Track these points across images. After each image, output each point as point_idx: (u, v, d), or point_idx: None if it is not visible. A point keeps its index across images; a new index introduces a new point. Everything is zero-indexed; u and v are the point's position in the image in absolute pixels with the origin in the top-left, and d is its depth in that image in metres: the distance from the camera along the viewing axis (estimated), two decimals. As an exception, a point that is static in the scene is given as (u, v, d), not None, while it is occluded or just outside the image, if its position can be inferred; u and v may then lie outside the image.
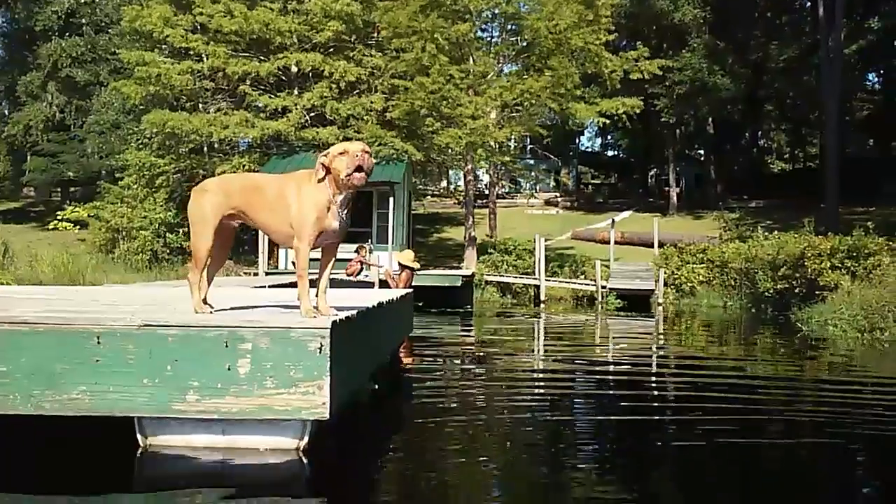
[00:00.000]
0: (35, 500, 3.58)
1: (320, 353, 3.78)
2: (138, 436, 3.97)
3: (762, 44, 37.96)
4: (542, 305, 21.20)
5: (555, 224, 35.66)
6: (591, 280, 22.31)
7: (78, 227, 31.22)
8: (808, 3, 38.26)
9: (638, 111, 24.12)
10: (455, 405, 6.26)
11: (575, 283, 22.70)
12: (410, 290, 9.68)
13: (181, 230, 25.34)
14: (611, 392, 7.46)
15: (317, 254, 4.30)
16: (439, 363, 9.01)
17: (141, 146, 26.64)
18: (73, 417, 3.87)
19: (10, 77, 38.18)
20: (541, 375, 8.36)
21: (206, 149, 25.68)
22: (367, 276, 17.84)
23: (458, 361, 9.40)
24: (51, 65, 34.55)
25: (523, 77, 22.73)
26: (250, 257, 25.10)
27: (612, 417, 6.04)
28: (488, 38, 26.07)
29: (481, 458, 4.55)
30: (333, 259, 4.32)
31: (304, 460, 3.93)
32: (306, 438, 3.94)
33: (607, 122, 24.34)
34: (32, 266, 19.27)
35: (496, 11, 24.26)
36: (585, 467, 4.43)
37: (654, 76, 24.75)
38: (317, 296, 4.24)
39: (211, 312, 4.24)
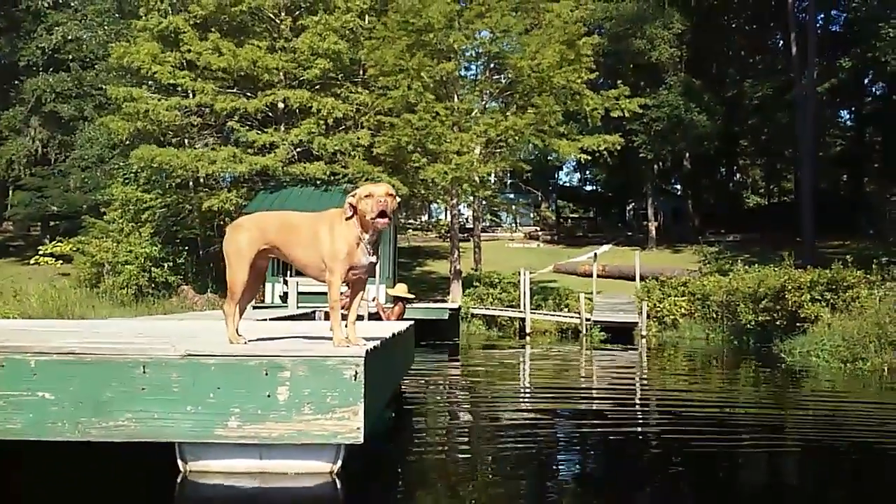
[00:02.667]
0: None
1: (355, 380, 4.02)
2: (178, 461, 4.16)
3: (737, 81, 38.90)
4: (528, 338, 21.40)
5: (536, 257, 36.00)
6: (576, 313, 22.59)
7: (60, 261, 31.12)
8: (781, 43, 39.32)
9: (619, 147, 24.62)
10: (464, 432, 6.50)
11: (560, 315, 22.96)
12: (412, 322, 9.88)
13: (166, 265, 25.40)
14: (619, 420, 7.73)
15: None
16: (439, 394, 9.23)
17: (127, 181, 26.72)
18: (113, 444, 4.06)
19: (-7, 112, 38.16)
20: (544, 406, 8.61)
21: (191, 184, 25.82)
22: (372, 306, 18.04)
23: (457, 392, 9.61)
24: (34, 100, 34.61)
25: (506, 114, 23.17)
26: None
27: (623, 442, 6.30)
28: (472, 77, 26.57)
29: (500, 481, 4.78)
30: (362, 292, 4.58)
31: (338, 483, 4.14)
32: (339, 462, 4.16)
33: (588, 157, 24.77)
34: (21, 300, 19.28)
35: (480, 51, 24.75)
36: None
37: (632, 113, 25.32)
38: (346, 326, 4.48)
39: (245, 343, 4.46)
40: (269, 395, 4.01)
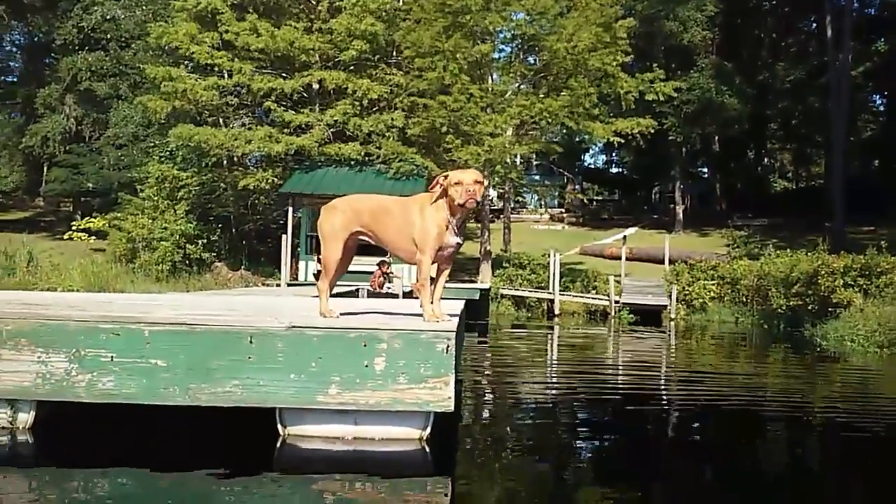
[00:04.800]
0: (194, 479, 4.04)
1: (446, 353, 4.30)
2: (279, 426, 4.47)
3: (769, 64, 38.70)
4: (556, 319, 21.64)
5: (561, 239, 36.18)
6: (604, 295, 22.82)
7: (93, 237, 31.68)
8: (815, 26, 39.02)
9: (652, 131, 24.70)
10: (518, 403, 6.81)
11: (588, 297, 23.18)
12: (464, 301, 10.13)
13: (200, 242, 25.82)
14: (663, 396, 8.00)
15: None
16: (482, 368, 9.53)
17: (163, 159, 27.14)
18: (214, 410, 4.36)
19: (29, 89, 38.72)
20: (584, 381, 8.89)
21: (225, 162, 26.19)
22: (389, 288, 18.38)
23: (506, 368, 9.91)
24: (70, 78, 35.10)
25: (540, 96, 23.30)
26: (268, 269, 25.61)
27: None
28: (507, 59, 26.66)
29: (567, 447, 5.09)
30: (448, 270, 4.84)
31: (427, 448, 4.42)
32: (429, 429, 4.45)
33: (621, 140, 24.86)
34: (63, 275, 19.73)
35: (516, 32, 24.84)
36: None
37: (665, 96, 25.34)
38: (431, 302, 4.74)
39: (337, 317, 4.75)
40: (366, 365, 4.29)
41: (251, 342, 4.31)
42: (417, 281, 4.89)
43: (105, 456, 4.35)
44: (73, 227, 32.92)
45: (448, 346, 4.29)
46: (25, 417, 4.46)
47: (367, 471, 4.16)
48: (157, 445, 4.62)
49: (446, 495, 3.91)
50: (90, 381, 4.30)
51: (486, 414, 6.44)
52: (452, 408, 4.33)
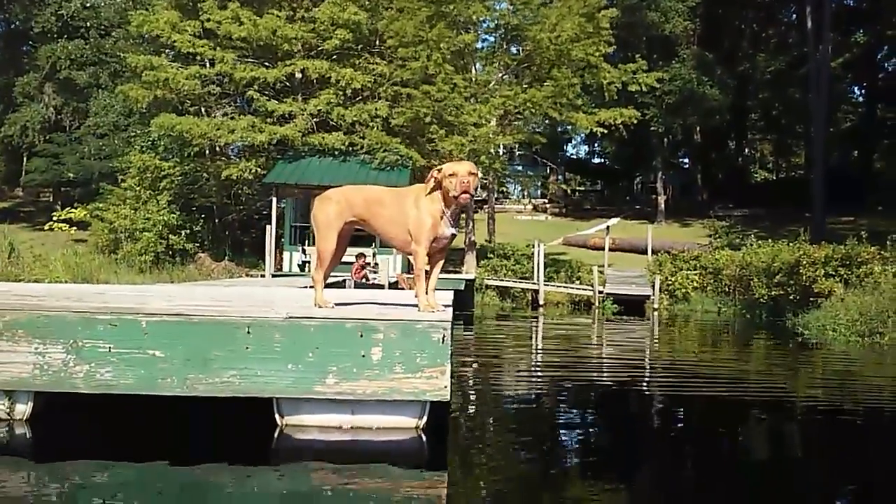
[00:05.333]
0: (192, 470, 4.08)
1: (442, 342, 4.35)
2: (276, 416, 4.51)
3: (749, 55, 38.96)
4: (541, 309, 21.75)
5: (544, 230, 36.27)
6: (588, 285, 22.95)
7: (74, 227, 31.41)
8: (795, 17, 39.32)
9: (635, 121, 24.83)
10: (525, 393, 6.89)
11: (573, 287, 23.31)
12: (453, 292, 10.18)
13: (183, 232, 25.68)
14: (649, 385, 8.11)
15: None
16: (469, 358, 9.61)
17: (144, 149, 26.94)
18: (209, 400, 4.40)
19: (7, 78, 38.27)
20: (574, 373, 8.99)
21: (208, 152, 26.04)
22: (375, 278, 18.41)
23: (489, 358, 9.99)
24: (49, 66, 34.72)
25: (523, 86, 23.35)
26: (251, 259, 25.54)
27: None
28: (490, 48, 26.66)
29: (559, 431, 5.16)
30: (442, 261, 4.89)
31: (423, 437, 4.48)
32: (425, 418, 4.50)
33: (604, 131, 24.96)
34: (47, 266, 19.57)
35: (500, 22, 24.85)
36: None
37: (648, 87, 25.47)
38: (426, 293, 4.79)
39: (332, 307, 4.79)
40: (363, 355, 4.34)
41: (249, 332, 4.34)
42: (413, 271, 4.93)
43: (102, 447, 4.38)
44: (54, 218, 32.60)
45: (444, 336, 4.35)
46: (23, 409, 4.48)
47: (364, 460, 4.21)
48: (154, 436, 4.65)
49: (443, 483, 3.97)
50: (88, 372, 4.32)
51: (475, 403, 6.51)
52: (449, 397, 4.40)
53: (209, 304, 4.78)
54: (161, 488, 3.71)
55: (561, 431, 5.49)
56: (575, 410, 6.38)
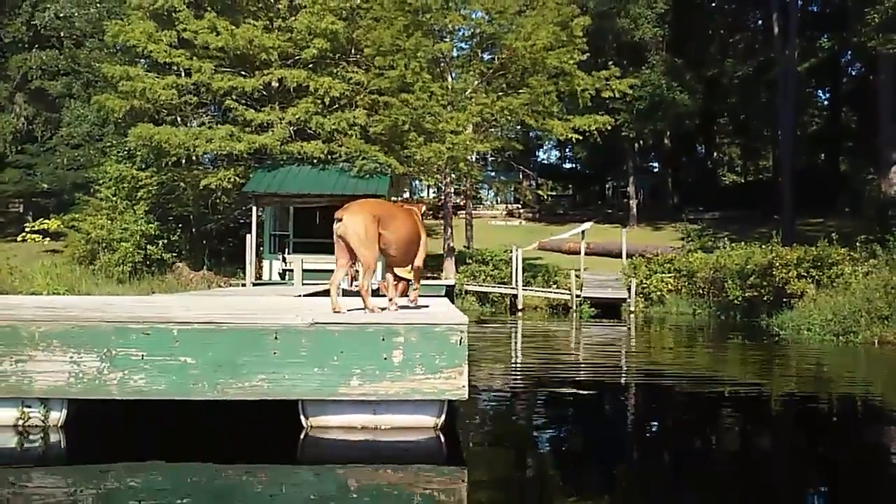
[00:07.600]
0: (221, 470, 4.28)
1: (460, 344, 4.60)
2: (301, 417, 4.73)
3: (717, 60, 39.66)
4: (520, 314, 22.00)
5: (519, 235, 36.59)
6: (565, 289, 23.27)
7: (47, 238, 31.15)
8: (762, 23, 40.09)
9: (609, 127, 25.23)
10: (514, 391, 7.16)
11: (551, 292, 23.61)
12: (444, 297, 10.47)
13: (161, 242, 25.59)
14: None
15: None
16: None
17: (121, 159, 26.85)
18: (238, 403, 4.61)
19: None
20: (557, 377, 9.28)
21: (185, 162, 26.00)
22: (355, 285, 18.56)
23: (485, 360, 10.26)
24: (20, 76, 34.42)
25: (499, 94, 23.65)
26: (229, 268, 25.52)
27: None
28: (466, 57, 26.92)
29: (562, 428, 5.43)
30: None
31: (441, 436, 4.72)
32: (443, 417, 4.75)
33: (579, 137, 25.31)
34: (27, 277, 19.50)
35: (477, 31, 25.13)
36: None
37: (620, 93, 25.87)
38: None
39: (345, 313, 5.03)
40: (385, 358, 4.58)
41: (276, 338, 4.56)
42: (414, 280, 5.18)
43: (134, 451, 4.56)
44: (27, 229, 32.28)
45: (461, 338, 4.60)
46: (58, 415, 4.66)
47: (387, 458, 4.45)
48: (183, 440, 4.84)
49: (463, 481, 4.22)
50: (122, 379, 4.51)
51: (476, 403, 6.76)
52: (467, 396, 4.65)
53: (239, 313, 4.99)
54: (192, 490, 3.90)
55: (560, 430, 5.76)
56: (573, 410, 6.65)
